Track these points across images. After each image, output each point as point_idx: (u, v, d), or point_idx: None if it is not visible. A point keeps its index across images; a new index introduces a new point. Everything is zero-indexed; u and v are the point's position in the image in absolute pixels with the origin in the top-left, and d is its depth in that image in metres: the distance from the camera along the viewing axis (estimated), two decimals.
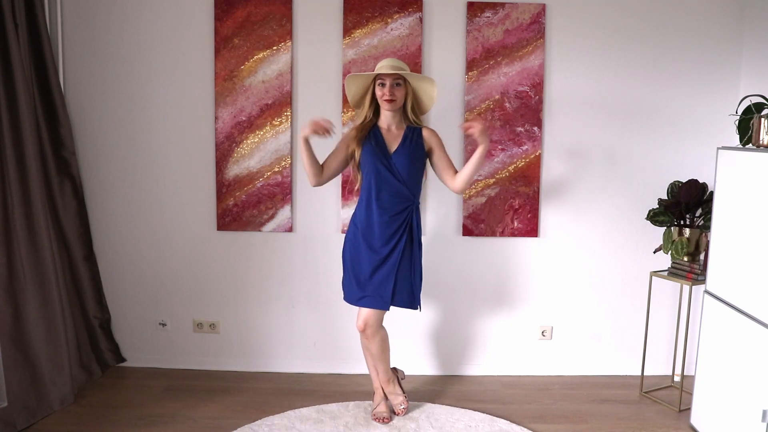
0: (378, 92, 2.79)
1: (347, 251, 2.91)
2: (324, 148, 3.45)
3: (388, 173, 2.80)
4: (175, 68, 3.35)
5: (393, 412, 3.01)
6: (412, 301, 2.87)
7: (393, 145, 2.83)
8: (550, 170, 3.42)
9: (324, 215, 3.43)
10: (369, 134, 2.83)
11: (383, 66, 2.78)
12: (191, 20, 3.31)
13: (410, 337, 3.49)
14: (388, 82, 2.76)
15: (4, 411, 2.73)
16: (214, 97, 3.33)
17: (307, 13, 3.30)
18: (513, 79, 3.33)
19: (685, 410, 3.08)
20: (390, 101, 2.77)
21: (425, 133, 2.85)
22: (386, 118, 2.85)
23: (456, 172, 2.84)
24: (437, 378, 3.50)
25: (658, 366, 3.50)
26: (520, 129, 3.36)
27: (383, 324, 2.92)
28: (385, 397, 3.03)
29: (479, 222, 3.42)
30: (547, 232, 3.47)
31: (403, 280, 2.83)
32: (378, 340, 2.91)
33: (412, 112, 2.84)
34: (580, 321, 3.54)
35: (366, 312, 2.85)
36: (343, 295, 2.96)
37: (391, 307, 2.86)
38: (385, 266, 2.81)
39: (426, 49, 3.32)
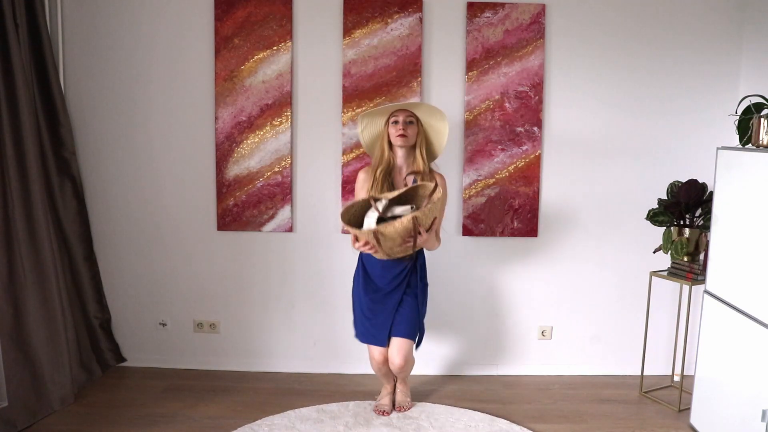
0: (391, 130, 2.80)
1: (357, 291, 2.95)
2: (320, 151, 3.45)
3: None
4: (175, 68, 3.35)
5: (394, 408, 3.05)
6: (415, 335, 2.91)
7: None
8: (550, 170, 3.42)
9: (324, 215, 3.43)
10: (385, 177, 2.81)
11: (396, 104, 2.84)
12: (191, 20, 3.31)
13: None
14: (401, 119, 2.78)
15: (4, 411, 2.73)
16: (214, 97, 3.33)
17: (307, 13, 3.30)
18: (513, 80, 3.33)
19: (684, 410, 3.08)
20: (402, 136, 2.77)
21: (435, 179, 2.79)
22: (399, 158, 2.85)
23: (436, 233, 2.78)
24: (437, 377, 3.50)
25: (658, 366, 3.50)
26: (520, 129, 3.36)
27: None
28: (392, 393, 3.08)
29: (479, 222, 3.42)
30: (547, 232, 3.47)
31: (414, 313, 2.87)
32: (410, 367, 2.99)
33: (419, 149, 2.80)
34: (580, 321, 3.54)
35: (399, 346, 2.85)
36: (355, 333, 2.98)
37: None
38: (390, 304, 2.86)
39: (426, 49, 3.32)
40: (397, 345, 2.85)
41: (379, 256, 2.65)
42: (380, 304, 2.87)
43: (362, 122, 2.87)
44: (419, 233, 2.55)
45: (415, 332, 2.89)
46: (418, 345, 2.97)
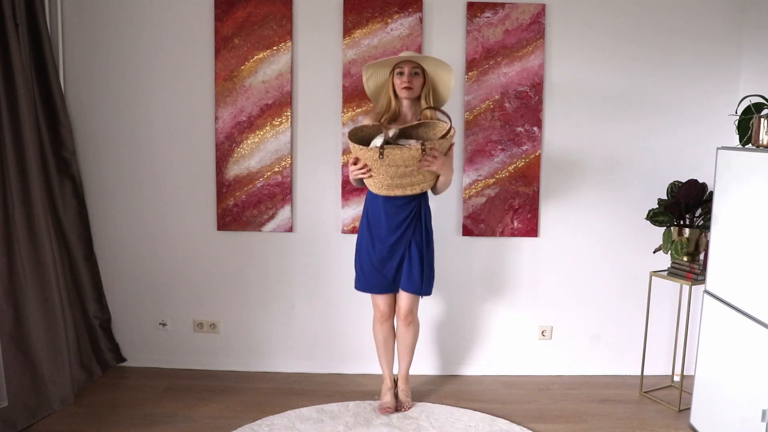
0: (396, 81, 2.83)
1: (364, 243, 2.94)
2: (320, 151, 3.44)
3: None
4: (175, 68, 3.35)
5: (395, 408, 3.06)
6: (426, 287, 2.93)
7: None
8: (550, 170, 3.42)
9: (324, 215, 3.43)
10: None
11: (402, 54, 2.86)
12: (191, 20, 3.31)
13: None
14: (406, 70, 2.80)
15: (4, 411, 2.73)
16: (214, 97, 3.33)
17: (307, 13, 3.30)
18: (513, 80, 3.33)
19: (684, 410, 3.08)
20: (407, 89, 2.79)
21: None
22: (404, 107, 2.88)
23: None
24: (437, 378, 3.50)
25: (658, 366, 3.50)
26: (520, 129, 3.36)
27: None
28: (393, 389, 3.09)
29: (479, 222, 3.42)
30: (547, 232, 3.47)
31: (416, 266, 2.87)
32: (415, 327, 3.01)
33: (425, 99, 2.84)
34: (580, 321, 3.54)
35: (406, 298, 2.91)
36: (356, 285, 3.00)
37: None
38: (396, 254, 2.87)
39: (426, 49, 3.32)
40: (405, 297, 2.91)
41: (372, 185, 2.70)
42: (386, 256, 2.87)
43: (367, 72, 2.88)
44: (434, 156, 2.62)
45: (420, 288, 2.89)
46: (428, 292, 2.94)
